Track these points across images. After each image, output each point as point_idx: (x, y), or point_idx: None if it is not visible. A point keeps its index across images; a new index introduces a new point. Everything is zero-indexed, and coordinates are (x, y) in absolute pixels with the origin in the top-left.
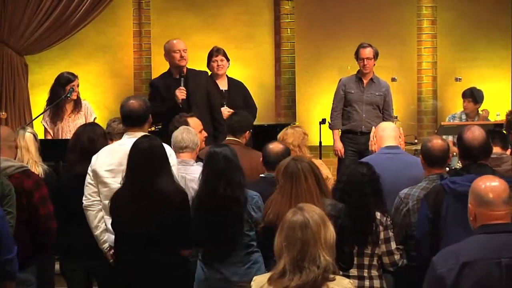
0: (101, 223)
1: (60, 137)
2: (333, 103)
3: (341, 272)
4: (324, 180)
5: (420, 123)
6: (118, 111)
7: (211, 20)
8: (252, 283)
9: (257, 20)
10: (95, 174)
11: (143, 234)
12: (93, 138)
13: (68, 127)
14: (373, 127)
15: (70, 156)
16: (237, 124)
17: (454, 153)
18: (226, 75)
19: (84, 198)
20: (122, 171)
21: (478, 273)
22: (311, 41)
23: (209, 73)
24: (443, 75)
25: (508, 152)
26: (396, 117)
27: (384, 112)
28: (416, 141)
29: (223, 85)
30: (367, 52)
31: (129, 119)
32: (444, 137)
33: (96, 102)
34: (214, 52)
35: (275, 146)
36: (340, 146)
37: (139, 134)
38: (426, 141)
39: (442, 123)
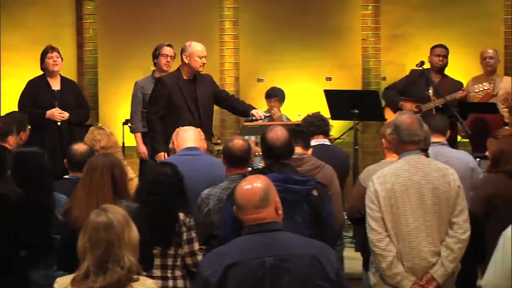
0: None
1: None
2: (132, 107)
3: (144, 273)
4: (125, 182)
5: (223, 123)
6: None
7: (14, 20)
8: (54, 284)
9: (60, 21)
10: None
11: None
12: None
13: None
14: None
15: None
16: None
17: (257, 153)
18: (60, 75)
19: None
20: None
21: (242, 274)
22: (114, 41)
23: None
24: (245, 76)
25: (309, 152)
26: None
27: None
28: (219, 141)
29: (56, 85)
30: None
31: None
32: (246, 137)
33: None
34: (49, 49)
35: (79, 147)
36: (143, 149)
37: None
38: (227, 141)
39: (245, 123)
